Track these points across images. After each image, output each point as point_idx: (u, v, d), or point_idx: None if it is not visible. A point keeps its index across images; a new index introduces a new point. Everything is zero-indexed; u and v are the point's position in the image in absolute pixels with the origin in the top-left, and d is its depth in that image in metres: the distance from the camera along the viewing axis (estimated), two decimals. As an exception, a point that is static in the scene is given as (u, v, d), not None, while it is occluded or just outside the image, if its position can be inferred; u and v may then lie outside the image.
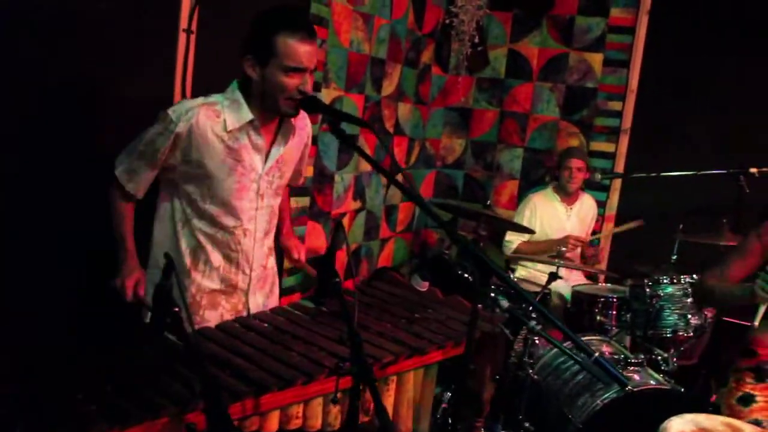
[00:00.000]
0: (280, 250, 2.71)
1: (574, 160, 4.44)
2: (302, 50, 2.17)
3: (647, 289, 3.66)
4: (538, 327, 1.84)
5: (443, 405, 3.43)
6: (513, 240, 4.48)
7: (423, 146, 5.25)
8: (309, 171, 3.88)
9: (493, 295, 2.00)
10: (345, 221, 4.34)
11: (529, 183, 5.22)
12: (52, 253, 2.54)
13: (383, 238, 4.87)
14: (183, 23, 2.91)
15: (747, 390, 2.48)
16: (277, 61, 2.17)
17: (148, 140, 2.25)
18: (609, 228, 4.86)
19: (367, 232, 4.63)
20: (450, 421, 3.15)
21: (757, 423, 2.37)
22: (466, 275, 1.93)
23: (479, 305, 1.70)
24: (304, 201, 3.93)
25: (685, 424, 2.12)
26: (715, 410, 2.52)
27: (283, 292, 3.78)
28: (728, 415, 2.39)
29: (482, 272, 1.60)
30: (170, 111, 2.22)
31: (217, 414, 1.33)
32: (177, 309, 1.51)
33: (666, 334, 3.64)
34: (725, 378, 2.61)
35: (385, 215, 4.84)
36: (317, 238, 4.08)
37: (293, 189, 3.66)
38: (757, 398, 2.46)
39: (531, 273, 4.47)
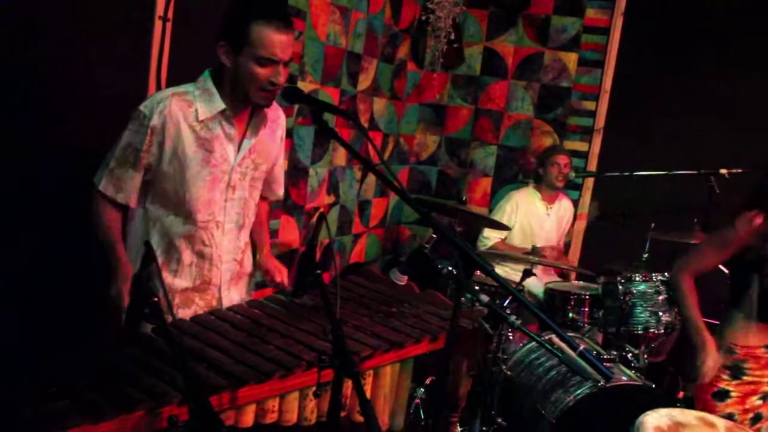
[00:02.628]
0: (252, 246, 2.67)
1: (562, 156, 4.52)
2: (277, 41, 2.13)
3: (620, 287, 3.69)
4: (518, 322, 1.83)
5: (416, 400, 3.43)
6: (491, 237, 4.51)
7: (397, 142, 5.24)
8: (284, 165, 3.85)
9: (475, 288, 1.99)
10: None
11: (503, 180, 5.24)
12: (24, 250, 2.47)
13: (356, 234, 4.85)
14: (159, 10, 2.86)
15: (722, 386, 2.52)
16: (250, 50, 2.13)
17: (125, 144, 2.19)
18: (581, 227, 4.91)
19: (340, 227, 4.61)
20: (423, 416, 3.15)
21: (730, 417, 2.41)
22: (449, 268, 1.91)
23: (462, 299, 1.68)
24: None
25: (660, 418, 2.14)
26: (686, 406, 2.55)
27: (256, 286, 3.74)
28: (702, 410, 2.42)
29: (466, 265, 1.59)
30: (141, 107, 2.18)
31: (200, 405, 1.30)
32: (156, 299, 1.48)
33: (637, 331, 3.68)
34: (696, 373, 2.63)
35: (359, 210, 4.82)
36: (291, 232, 4.04)
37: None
38: (732, 393, 2.50)
39: (505, 271, 4.49)
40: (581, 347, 1.61)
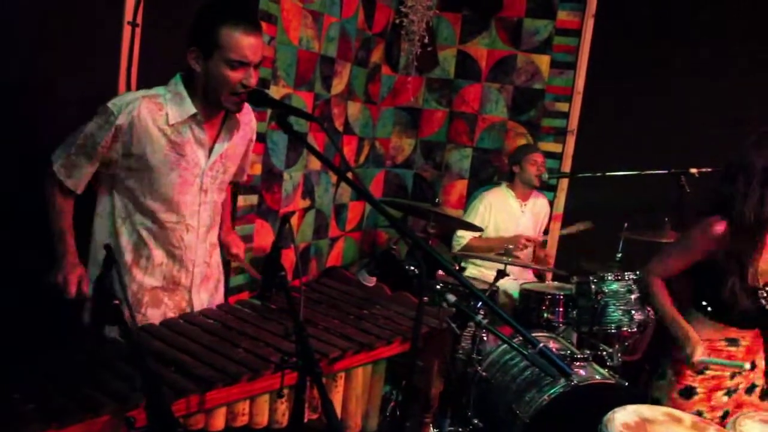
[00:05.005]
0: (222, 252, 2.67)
1: (539, 155, 4.57)
2: (246, 43, 2.14)
3: (592, 286, 3.72)
4: (485, 321, 1.84)
5: (392, 403, 3.44)
6: (464, 235, 4.54)
7: (373, 146, 5.25)
8: (257, 169, 3.85)
9: (439, 288, 2.00)
10: (294, 220, 4.31)
11: (478, 182, 5.27)
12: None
13: (332, 237, 4.85)
14: (128, 15, 2.85)
15: (688, 383, 2.54)
16: (221, 53, 2.14)
17: (87, 134, 2.19)
18: (556, 227, 4.95)
19: (316, 231, 4.61)
20: (399, 418, 3.16)
21: (699, 415, 2.43)
22: (412, 268, 1.93)
23: (425, 299, 1.70)
24: (253, 199, 3.89)
25: (627, 415, 2.17)
26: (656, 404, 2.57)
27: (231, 291, 3.74)
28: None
29: (429, 266, 1.60)
30: (110, 104, 2.18)
31: (158, 408, 1.30)
32: (118, 301, 1.48)
33: (611, 329, 3.71)
34: (662, 370, 2.66)
35: (335, 214, 4.82)
36: (266, 236, 4.04)
37: (241, 187, 3.64)
38: (698, 390, 2.52)
39: (480, 271, 4.52)
40: (541, 345, 1.63)
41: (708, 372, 2.53)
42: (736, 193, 2.45)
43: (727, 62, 4.60)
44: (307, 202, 4.44)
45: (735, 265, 2.46)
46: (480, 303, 3.42)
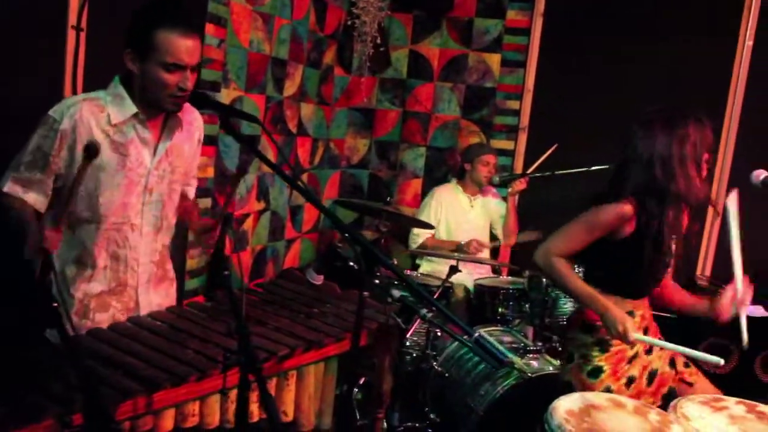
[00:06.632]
0: (180, 255, 2.66)
1: (491, 156, 4.64)
2: (182, 46, 2.14)
3: (543, 280, 3.80)
4: (429, 315, 1.88)
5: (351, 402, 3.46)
6: (420, 234, 4.60)
7: (327, 146, 5.28)
8: (210, 172, 3.85)
9: (378, 283, 2.04)
10: (249, 222, 4.31)
11: (433, 181, 5.32)
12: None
13: (289, 239, 4.86)
14: (72, 19, 2.84)
15: (595, 363, 2.58)
16: (156, 56, 2.14)
17: (34, 147, 2.17)
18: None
19: (272, 233, 4.62)
20: (351, 415, 3.18)
21: (608, 390, 2.50)
22: (351, 263, 1.96)
23: (366, 293, 1.73)
24: (206, 202, 3.88)
25: (572, 402, 2.22)
26: (568, 388, 2.58)
27: (186, 294, 3.73)
28: (581, 390, 2.49)
29: (368, 261, 1.63)
30: (51, 112, 2.17)
31: (92, 407, 1.30)
32: (56, 305, 1.48)
33: (562, 321, 3.79)
34: (568, 354, 2.69)
35: (291, 216, 4.83)
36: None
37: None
38: (604, 368, 2.57)
39: (434, 268, 4.57)
40: (476, 334, 1.67)
41: (612, 348, 2.57)
42: (646, 174, 2.50)
43: (678, 56, 4.73)
44: (261, 205, 4.44)
45: (649, 243, 2.51)
46: (435, 297, 3.47)
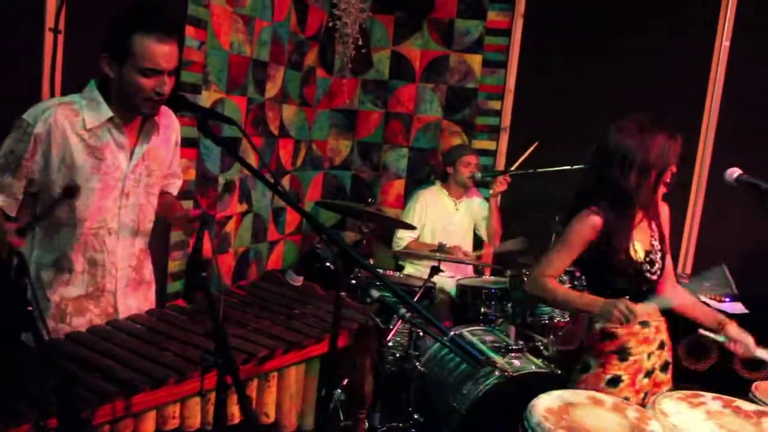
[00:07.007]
0: (162, 257, 2.65)
1: (471, 156, 4.67)
2: (159, 51, 2.14)
3: (524, 279, 3.81)
4: (408, 315, 1.89)
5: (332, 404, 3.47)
6: (404, 237, 4.61)
7: (309, 148, 5.28)
8: (191, 174, 3.84)
9: (355, 283, 2.04)
10: (231, 224, 4.30)
11: (415, 182, 5.34)
12: None
13: (272, 241, 4.86)
14: (49, 22, 2.82)
15: (614, 372, 2.60)
16: (133, 61, 2.14)
17: (6, 151, 2.17)
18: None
19: (254, 235, 4.61)
20: (334, 415, 3.18)
21: (626, 400, 2.51)
22: (327, 264, 1.97)
23: (343, 294, 1.73)
24: (188, 204, 3.87)
25: (552, 399, 2.23)
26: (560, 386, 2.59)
27: (168, 297, 3.72)
28: None
29: (345, 261, 1.64)
30: (25, 115, 2.17)
31: (68, 413, 1.30)
32: (30, 308, 1.48)
33: (544, 320, 3.82)
34: (585, 363, 2.70)
35: (273, 217, 4.83)
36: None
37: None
38: (623, 377, 2.59)
39: (418, 269, 4.59)
40: (451, 333, 1.68)
41: (631, 357, 2.60)
42: (612, 177, 2.53)
43: (656, 57, 4.77)
44: (244, 207, 4.44)
45: (617, 248, 2.54)
46: (416, 299, 3.49)
